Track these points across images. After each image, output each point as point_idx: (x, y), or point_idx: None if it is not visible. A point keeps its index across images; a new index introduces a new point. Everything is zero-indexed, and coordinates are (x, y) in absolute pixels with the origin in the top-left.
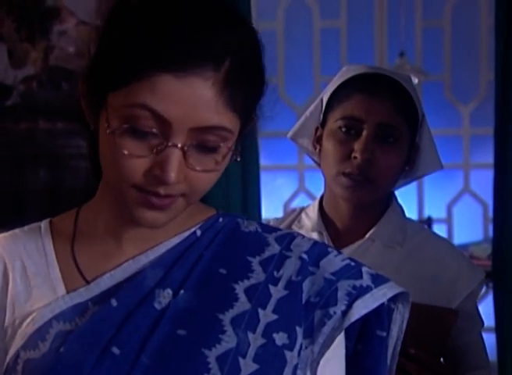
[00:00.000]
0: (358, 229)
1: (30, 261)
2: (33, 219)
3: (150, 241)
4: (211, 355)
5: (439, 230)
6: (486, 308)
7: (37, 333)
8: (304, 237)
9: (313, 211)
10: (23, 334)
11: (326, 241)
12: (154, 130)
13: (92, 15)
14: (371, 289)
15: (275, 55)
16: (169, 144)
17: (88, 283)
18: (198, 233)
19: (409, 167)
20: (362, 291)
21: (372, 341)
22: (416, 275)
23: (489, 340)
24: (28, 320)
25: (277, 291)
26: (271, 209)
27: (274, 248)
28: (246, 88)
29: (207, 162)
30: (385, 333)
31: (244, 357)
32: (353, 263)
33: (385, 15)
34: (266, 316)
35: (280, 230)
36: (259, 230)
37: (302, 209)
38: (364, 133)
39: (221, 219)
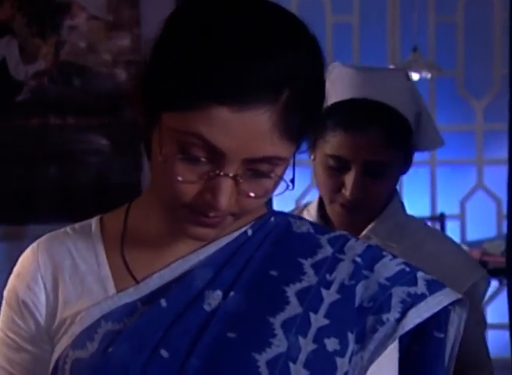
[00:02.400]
0: (357, 226)
1: (81, 260)
2: (45, 215)
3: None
4: (262, 359)
5: (452, 226)
6: (500, 305)
7: (85, 333)
8: (357, 239)
9: (313, 208)
10: (71, 333)
11: None
12: (206, 159)
13: (103, 10)
14: (425, 297)
15: None
16: (221, 173)
17: (138, 282)
18: (249, 232)
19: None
20: (417, 299)
21: (429, 342)
22: None
23: (503, 337)
24: (77, 319)
25: (329, 295)
26: (282, 205)
27: (326, 251)
28: (304, 115)
29: (258, 188)
30: (442, 335)
31: (295, 362)
32: (408, 268)
33: (398, 10)
34: (318, 320)
35: (333, 231)
36: (311, 230)
37: (305, 206)
38: (352, 171)
39: (272, 219)
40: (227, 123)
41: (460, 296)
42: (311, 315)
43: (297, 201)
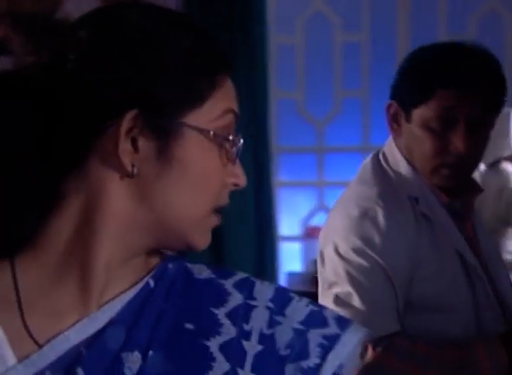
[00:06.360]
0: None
1: None
2: None
3: (105, 293)
4: None
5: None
6: None
7: None
8: (262, 281)
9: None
10: None
11: None
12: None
13: None
14: (339, 336)
15: (295, 69)
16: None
17: (40, 346)
18: (151, 283)
19: None
20: (333, 341)
21: None
22: None
23: None
24: None
25: (251, 347)
26: (289, 227)
27: (236, 298)
28: None
29: None
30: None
31: None
32: (315, 308)
33: (408, 28)
34: None
35: (234, 274)
36: (212, 275)
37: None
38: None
39: (170, 265)
40: (232, 88)
41: (367, 331)
42: (239, 371)
43: (304, 222)
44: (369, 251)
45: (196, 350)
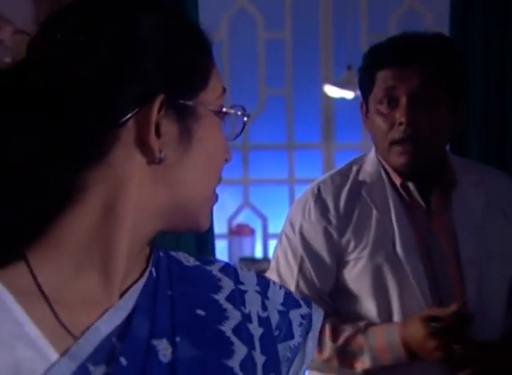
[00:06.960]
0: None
1: None
2: None
3: (124, 282)
4: None
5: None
6: None
7: None
8: (241, 268)
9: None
10: None
11: None
12: None
13: (30, 24)
14: (310, 315)
15: (220, 66)
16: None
17: (76, 339)
18: (154, 272)
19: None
20: (308, 320)
21: None
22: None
23: None
24: None
25: (255, 330)
26: (215, 224)
27: (228, 283)
28: None
29: None
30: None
31: None
32: (287, 290)
33: (331, 26)
34: (259, 357)
35: (213, 260)
36: (198, 262)
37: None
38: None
39: (161, 253)
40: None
41: (320, 309)
42: (253, 353)
43: (229, 220)
44: (293, 235)
45: (215, 335)
